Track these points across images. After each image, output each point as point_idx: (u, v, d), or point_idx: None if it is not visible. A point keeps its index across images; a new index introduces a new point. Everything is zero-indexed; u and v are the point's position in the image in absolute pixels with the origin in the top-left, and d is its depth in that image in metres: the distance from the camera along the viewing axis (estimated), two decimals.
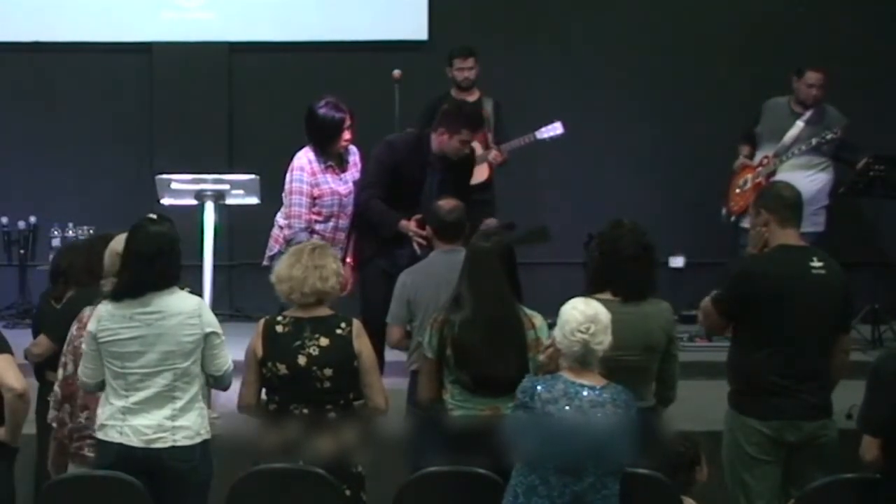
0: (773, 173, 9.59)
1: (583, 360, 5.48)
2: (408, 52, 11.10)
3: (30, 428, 6.89)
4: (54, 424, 6.38)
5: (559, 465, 5.40)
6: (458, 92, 9.86)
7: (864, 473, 5.78)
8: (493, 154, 9.54)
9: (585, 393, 5.43)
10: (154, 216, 6.05)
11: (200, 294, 7.81)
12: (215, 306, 8.37)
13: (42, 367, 6.98)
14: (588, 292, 6.00)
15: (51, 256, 10.60)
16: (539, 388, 5.45)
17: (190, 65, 11.33)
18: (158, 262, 5.90)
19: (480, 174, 9.48)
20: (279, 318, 6.16)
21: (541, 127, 9.65)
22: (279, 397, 6.12)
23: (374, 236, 8.25)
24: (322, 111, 8.29)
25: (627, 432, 5.45)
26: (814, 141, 9.63)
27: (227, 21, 11.42)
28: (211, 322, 5.98)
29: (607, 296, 6.02)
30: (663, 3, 11.46)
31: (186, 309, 5.92)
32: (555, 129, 9.62)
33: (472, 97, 9.83)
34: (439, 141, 8.19)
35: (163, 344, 5.87)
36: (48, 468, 6.45)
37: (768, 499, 6.24)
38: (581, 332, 5.45)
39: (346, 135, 8.30)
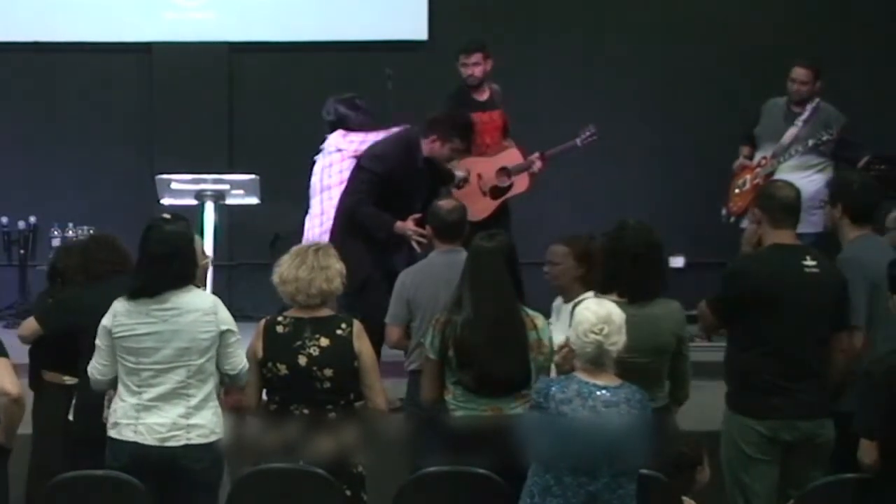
0: (772, 174, 9.58)
1: (596, 360, 5.46)
2: (408, 52, 11.11)
3: (25, 428, 6.92)
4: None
5: (573, 464, 5.39)
6: (469, 91, 9.50)
7: (864, 474, 5.77)
8: (538, 165, 9.40)
9: (599, 393, 5.42)
10: (168, 215, 6.06)
11: None
12: None
13: (38, 368, 6.98)
14: (594, 293, 5.98)
15: (51, 256, 10.65)
16: (553, 388, 5.44)
17: (190, 65, 11.33)
18: (175, 261, 5.92)
19: (521, 185, 9.43)
20: (279, 319, 6.16)
21: (579, 132, 9.56)
22: (279, 397, 6.12)
23: (364, 245, 8.26)
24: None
25: (642, 432, 5.43)
26: (810, 142, 9.61)
27: (227, 21, 11.43)
28: (226, 320, 5.99)
29: (613, 297, 5.98)
30: (664, 3, 11.46)
31: (203, 306, 5.94)
32: (590, 131, 9.58)
33: (483, 96, 9.53)
34: (430, 147, 8.27)
35: (178, 340, 5.88)
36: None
37: (766, 498, 6.24)
38: (594, 332, 5.43)
39: None
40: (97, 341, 6.01)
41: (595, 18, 11.39)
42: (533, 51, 11.30)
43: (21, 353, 6.99)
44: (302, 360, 6.04)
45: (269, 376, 6.10)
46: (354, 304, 7.43)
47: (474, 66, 9.46)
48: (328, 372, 6.04)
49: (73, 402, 6.60)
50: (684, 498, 5.83)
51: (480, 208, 9.07)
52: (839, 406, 6.23)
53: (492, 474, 5.77)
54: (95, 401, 6.13)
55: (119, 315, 5.93)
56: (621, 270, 6.11)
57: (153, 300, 5.90)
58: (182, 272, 5.94)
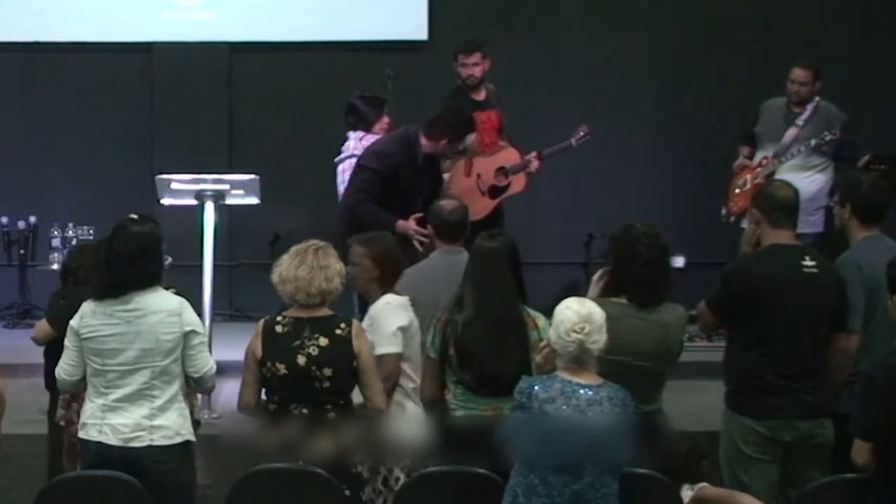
0: (773, 174, 9.58)
1: (578, 359, 5.46)
2: (408, 52, 11.11)
3: (40, 428, 6.95)
4: (62, 423, 6.40)
5: (558, 464, 5.39)
6: (467, 91, 9.47)
7: (863, 474, 5.77)
8: (535, 164, 9.36)
9: (582, 392, 5.43)
10: (135, 216, 6.04)
11: (199, 294, 7.83)
12: (215, 306, 8.40)
13: (53, 369, 6.99)
14: (602, 296, 5.97)
15: (51, 256, 10.67)
16: (536, 388, 5.45)
17: (190, 65, 11.33)
18: (140, 261, 5.90)
19: (518, 184, 9.41)
20: (279, 319, 6.16)
21: (573, 132, 9.55)
22: (279, 397, 6.12)
23: None
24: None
25: (625, 431, 5.44)
26: (812, 142, 9.61)
27: (227, 21, 11.42)
28: (191, 321, 5.97)
29: (622, 300, 5.99)
30: (664, 3, 11.46)
31: (167, 307, 5.93)
32: (584, 130, 9.56)
33: (480, 95, 9.50)
34: (425, 144, 8.34)
35: (142, 341, 5.87)
36: (63, 466, 6.47)
37: (766, 498, 6.23)
38: (576, 331, 5.43)
39: None
40: (65, 342, 6.01)
41: (594, 18, 11.39)
42: (532, 51, 11.30)
43: (37, 353, 7.03)
44: (301, 360, 6.04)
45: (269, 376, 6.10)
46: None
47: (474, 67, 9.44)
48: (327, 372, 6.04)
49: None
50: (703, 484, 5.83)
51: (480, 208, 9.06)
52: (836, 406, 6.23)
53: (492, 474, 5.77)
54: None
55: (86, 316, 5.93)
56: (631, 274, 6.07)
57: (118, 301, 5.89)
58: (146, 272, 5.92)
